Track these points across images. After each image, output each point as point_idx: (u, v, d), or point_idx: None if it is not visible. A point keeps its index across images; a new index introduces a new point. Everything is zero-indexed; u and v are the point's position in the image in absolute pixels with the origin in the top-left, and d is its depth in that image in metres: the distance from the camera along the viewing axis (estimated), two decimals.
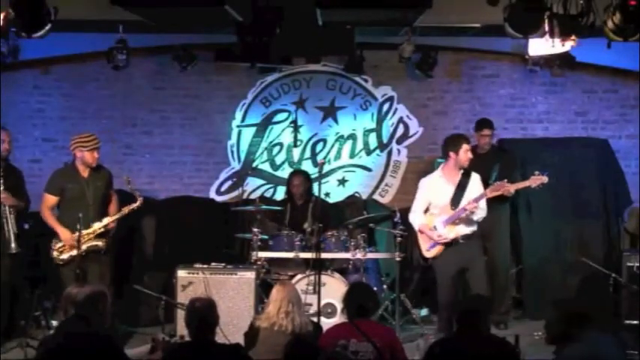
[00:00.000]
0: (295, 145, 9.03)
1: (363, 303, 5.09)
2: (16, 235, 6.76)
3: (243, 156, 9.12)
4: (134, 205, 6.92)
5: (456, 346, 4.56)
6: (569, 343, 4.44)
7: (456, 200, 6.64)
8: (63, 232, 6.76)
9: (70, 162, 7.05)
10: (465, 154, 6.70)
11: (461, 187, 6.68)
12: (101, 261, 6.89)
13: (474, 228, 6.72)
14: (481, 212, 6.69)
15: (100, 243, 6.78)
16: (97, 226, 6.80)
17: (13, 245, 6.74)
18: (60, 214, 6.90)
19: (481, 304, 4.81)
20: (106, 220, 6.85)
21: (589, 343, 4.42)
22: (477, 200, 6.61)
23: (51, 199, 6.91)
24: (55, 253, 6.77)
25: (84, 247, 6.68)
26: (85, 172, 6.93)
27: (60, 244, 6.78)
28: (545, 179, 6.87)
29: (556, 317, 4.59)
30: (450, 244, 6.66)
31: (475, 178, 6.79)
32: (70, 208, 6.85)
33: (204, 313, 4.53)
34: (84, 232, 6.67)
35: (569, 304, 4.71)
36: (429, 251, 6.74)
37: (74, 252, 6.63)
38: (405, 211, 8.36)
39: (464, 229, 6.65)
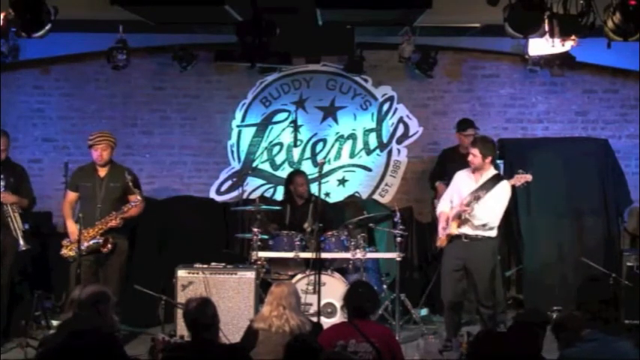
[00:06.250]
0: (295, 145, 9.02)
1: (362, 303, 5.09)
2: (24, 233, 6.79)
3: (243, 156, 9.11)
4: (131, 204, 6.90)
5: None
6: (579, 343, 4.40)
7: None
8: (70, 227, 6.85)
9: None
10: (470, 156, 6.67)
11: (483, 188, 6.57)
12: (113, 262, 6.93)
13: (483, 232, 6.56)
14: (478, 219, 6.54)
15: (100, 241, 6.79)
16: (99, 225, 6.82)
17: (21, 243, 6.78)
18: (79, 211, 6.94)
19: (537, 318, 4.75)
20: (107, 218, 6.84)
21: (601, 343, 4.36)
22: (467, 204, 6.50)
23: (69, 195, 7.06)
24: (63, 251, 6.82)
25: (85, 244, 6.71)
26: (101, 172, 6.96)
27: (67, 241, 6.82)
28: (529, 177, 6.82)
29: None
30: (453, 239, 6.62)
31: (501, 186, 6.61)
32: (82, 205, 6.98)
33: (196, 315, 4.54)
34: (88, 230, 6.72)
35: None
36: (438, 239, 6.76)
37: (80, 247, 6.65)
38: (405, 211, 8.35)
39: (467, 229, 6.59)
